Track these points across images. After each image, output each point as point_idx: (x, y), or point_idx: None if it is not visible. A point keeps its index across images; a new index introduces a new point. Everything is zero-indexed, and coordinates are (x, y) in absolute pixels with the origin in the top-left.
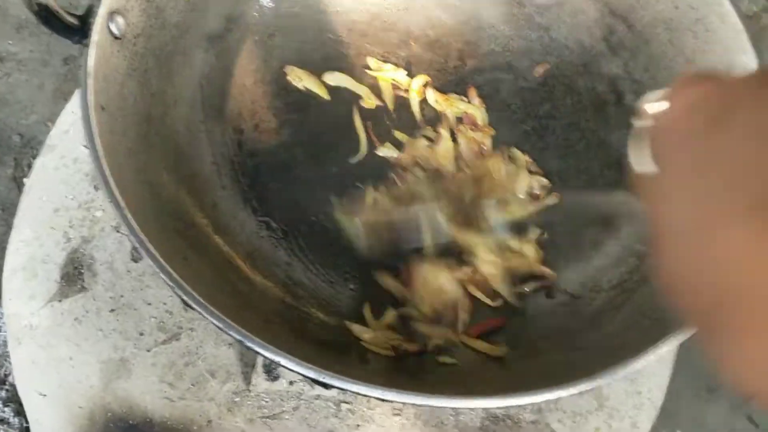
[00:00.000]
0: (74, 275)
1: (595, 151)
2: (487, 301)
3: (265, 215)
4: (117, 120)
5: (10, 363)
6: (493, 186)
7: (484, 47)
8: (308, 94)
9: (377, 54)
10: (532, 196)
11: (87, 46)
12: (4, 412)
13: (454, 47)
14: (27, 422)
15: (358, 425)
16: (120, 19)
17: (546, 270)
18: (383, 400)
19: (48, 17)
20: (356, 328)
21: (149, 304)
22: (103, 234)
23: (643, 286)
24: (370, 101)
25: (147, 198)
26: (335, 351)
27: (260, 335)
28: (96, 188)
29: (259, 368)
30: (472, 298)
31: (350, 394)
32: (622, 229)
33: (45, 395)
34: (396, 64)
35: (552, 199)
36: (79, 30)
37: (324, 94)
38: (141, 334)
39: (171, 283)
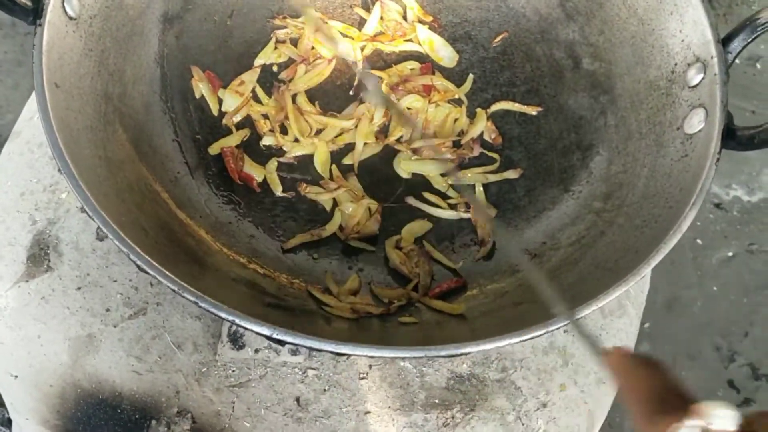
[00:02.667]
0: (40, 256)
1: (554, 115)
2: (449, 263)
3: (228, 190)
4: (73, 97)
5: None
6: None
7: (442, 19)
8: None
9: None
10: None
11: (41, 26)
12: None
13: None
14: (8, 413)
15: (325, 390)
16: (74, 0)
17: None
18: (340, 354)
19: None
20: (319, 295)
21: (115, 281)
22: (68, 215)
23: (600, 240)
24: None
25: (104, 173)
26: (301, 317)
27: (217, 298)
28: (60, 171)
29: (225, 337)
30: (432, 260)
31: (316, 360)
32: (581, 188)
33: (16, 376)
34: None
35: (512, 174)
36: (33, 10)
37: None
38: (107, 310)
39: (123, 248)
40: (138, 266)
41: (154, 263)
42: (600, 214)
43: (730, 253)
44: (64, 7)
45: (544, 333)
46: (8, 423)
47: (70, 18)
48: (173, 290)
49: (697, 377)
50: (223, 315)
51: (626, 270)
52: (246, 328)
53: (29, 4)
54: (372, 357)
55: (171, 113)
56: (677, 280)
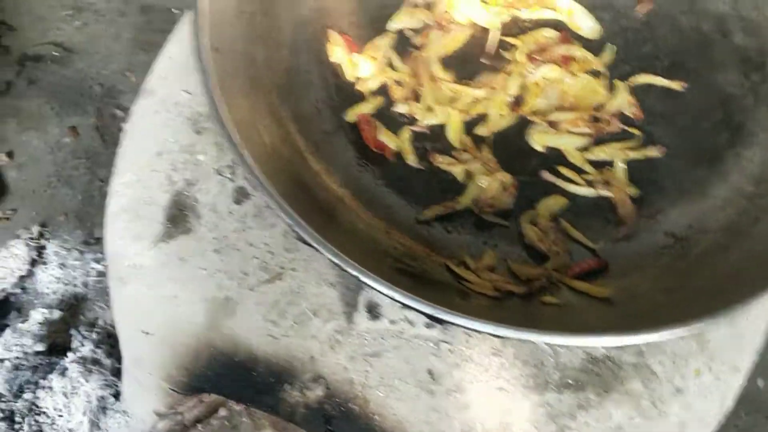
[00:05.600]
0: (179, 217)
1: (700, 91)
2: (587, 242)
3: (364, 156)
4: (228, 61)
5: (100, 307)
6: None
7: None
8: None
9: None
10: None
11: None
12: (96, 353)
13: None
14: (119, 363)
15: (457, 364)
16: None
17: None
18: (498, 336)
19: None
20: (460, 270)
21: (251, 245)
22: (206, 177)
23: (754, 227)
24: None
25: (258, 139)
26: (437, 290)
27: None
28: (198, 132)
29: (361, 308)
30: (569, 239)
31: (449, 334)
32: (730, 170)
33: (149, 333)
34: None
35: (654, 151)
36: None
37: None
38: (245, 274)
39: (288, 220)
40: (300, 238)
41: (317, 235)
42: (753, 200)
43: None
44: None
45: (701, 328)
46: (117, 372)
47: None
48: (335, 264)
49: None
50: (389, 292)
51: None
52: (396, 301)
53: None
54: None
55: (309, 78)
56: None
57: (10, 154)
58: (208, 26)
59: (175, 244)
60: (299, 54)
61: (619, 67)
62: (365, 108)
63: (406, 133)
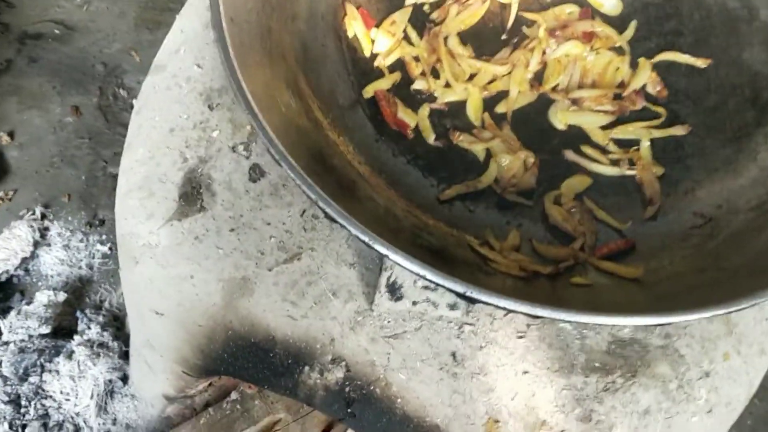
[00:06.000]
0: (193, 195)
1: (726, 69)
2: (614, 222)
3: (381, 133)
4: (244, 32)
5: (105, 290)
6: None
7: None
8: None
9: None
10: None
11: None
12: (102, 336)
13: None
14: (126, 346)
15: (481, 346)
16: None
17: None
18: (534, 316)
19: None
20: (485, 250)
21: (268, 224)
22: (220, 154)
23: None
24: None
25: (276, 110)
26: (462, 269)
27: (403, 248)
28: (211, 108)
29: (383, 288)
30: (596, 219)
31: (473, 316)
32: (759, 149)
33: (161, 314)
34: None
35: (679, 130)
36: None
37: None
38: (262, 254)
39: (310, 192)
40: (327, 215)
41: (340, 209)
42: None
43: None
44: None
45: (740, 308)
46: (125, 355)
47: None
48: (358, 236)
49: None
50: (416, 269)
51: None
52: (439, 285)
53: None
54: (538, 317)
55: (326, 52)
56: None
57: (11, 134)
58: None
59: (190, 223)
60: (315, 27)
61: (641, 44)
62: (383, 84)
63: (424, 110)
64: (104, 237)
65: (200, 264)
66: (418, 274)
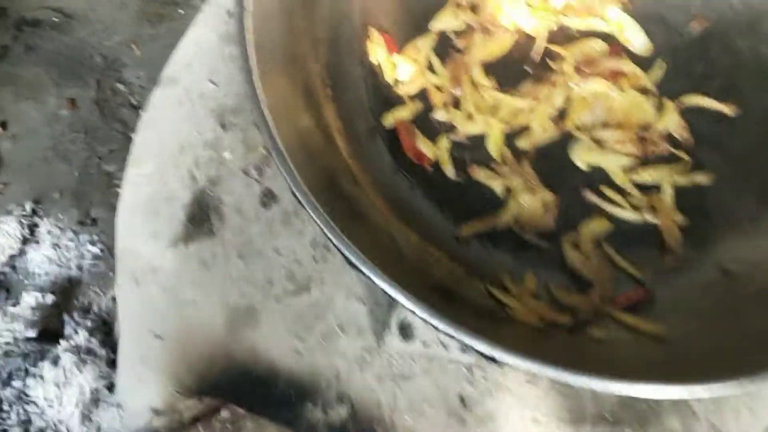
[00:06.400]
0: (201, 217)
1: (755, 118)
2: (633, 271)
3: (399, 164)
4: (268, 59)
5: (95, 292)
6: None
7: None
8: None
9: None
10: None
11: None
12: (90, 342)
13: None
14: (114, 353)
15: (491, 392)
16: None
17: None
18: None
19: None
20: (502, 295)
21: (278, 252)
22: (231, 176)
23: None
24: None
25: (291, 129)
26: (476, 314)
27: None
28: (223, 127)
29: (394, 327)
30: (615, 267)
31: (484, 359)
32: None
33: (160, 337)
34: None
35: (703, 178)
36: None
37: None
38: (270, 283)
39: (314, 215)
40: (347, 260)
41: (346, 239)
42: None
43: None
44: None
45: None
46: (112, 363)
47: None
48: (362, 271)
49: None
50: (422, 313)
51: None
52: (444, 332)
53: None
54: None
55: (347, 76)
56: None
57: (3, 125)
58: (252, 22)
59: (197, 247)
60: (338, 50)
61: (668, 85)
62: (403, 113)
63: (444, 142)
64: (95, 237)
65: (205, 290)
66: (430, 323)
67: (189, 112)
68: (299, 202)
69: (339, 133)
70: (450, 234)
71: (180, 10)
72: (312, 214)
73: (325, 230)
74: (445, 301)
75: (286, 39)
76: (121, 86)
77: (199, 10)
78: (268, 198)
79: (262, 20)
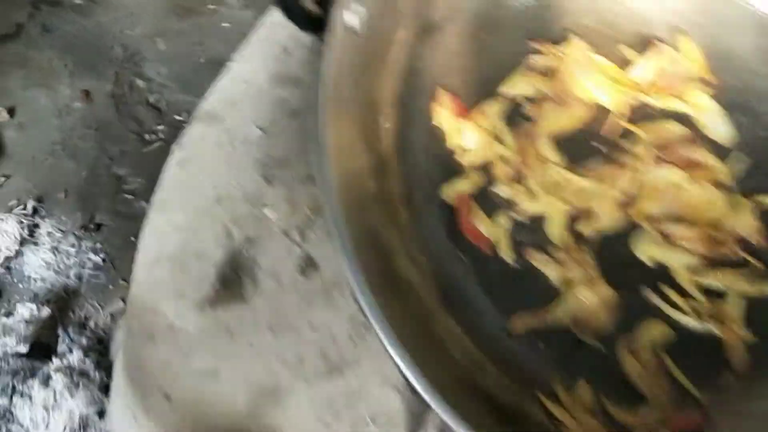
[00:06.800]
0: (233, 280)
1: None
2: (693, 389)
3: (453, 240)
4: (332, 121)
5: (92, 306)
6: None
7: (721, 78)
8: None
9: None
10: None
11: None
12: (84, 363)
13: None
14: (108, 377)
15: None
16: (360, 8)
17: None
18: None
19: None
20: (555, 408)
21: (313, 327)
22: (271, 237)
23: None
24: None
25: (353, 190)
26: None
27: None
28: (267, 180)
29: (430, 428)
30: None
31: None
32: None
33: (169, 398)
34: None
35: None
36: (318, 20)
37: None
38: (300, 362)
39: (350, 274)
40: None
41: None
42: None
43: None
44: (346, 18)
45: None
46: (105, 388)
47: (351, 30)
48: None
49: None
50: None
51: None
52: None
53: (318, 11)
54: None
55: (414, 142)
56: None
57: (11, 111)
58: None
59: (224, 312)
60: (407, 110)
61: (746, 183)
62: (464, 185)
63: (503, 221)
64: (98, 245)
65: (229, 361)
66: None
67: (230, 158)
68: (351, 290)
69: (402, 205)
70: (499, 327)
71: (210, 5)
72: (365, 307)
73: (360, 298)
74: (485, 408)
75: (360, 85)
76: (140, 82)
77: (248, 42)
78: (308, 266)
79: (341, 58)
